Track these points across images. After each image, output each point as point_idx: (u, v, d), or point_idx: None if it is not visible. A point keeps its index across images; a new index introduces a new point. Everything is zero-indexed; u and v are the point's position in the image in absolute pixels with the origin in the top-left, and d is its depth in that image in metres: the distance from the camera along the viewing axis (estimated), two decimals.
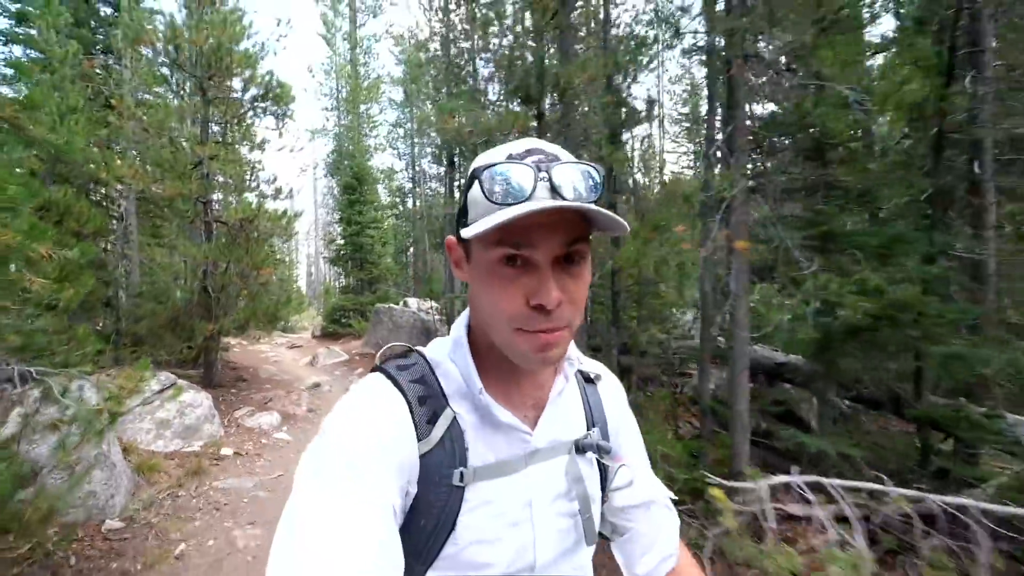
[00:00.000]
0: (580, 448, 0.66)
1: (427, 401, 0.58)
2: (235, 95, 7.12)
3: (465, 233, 0.52)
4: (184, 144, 6.80)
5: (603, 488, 0.71)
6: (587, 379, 0.74)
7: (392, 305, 12.26)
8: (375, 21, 18.82)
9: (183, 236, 6.97)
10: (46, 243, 2.17)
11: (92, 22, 10.30)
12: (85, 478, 2.71)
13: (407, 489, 0.55)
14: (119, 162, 5.32)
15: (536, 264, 0.52)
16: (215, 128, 7.33)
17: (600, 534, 0.72)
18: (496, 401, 0.60)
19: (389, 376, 0.60)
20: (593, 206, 0.50)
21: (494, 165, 0.51)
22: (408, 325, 11.18)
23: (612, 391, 0.77)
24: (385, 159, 18.40)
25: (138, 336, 7.27)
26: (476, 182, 0.53)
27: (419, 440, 0.56)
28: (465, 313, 0.66)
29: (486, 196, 0.51)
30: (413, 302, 13.06)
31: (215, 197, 6.84)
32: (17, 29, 9.31)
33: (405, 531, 0.54)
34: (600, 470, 0.70)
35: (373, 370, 0.63)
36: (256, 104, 7.37)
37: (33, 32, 6.74)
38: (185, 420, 4.97)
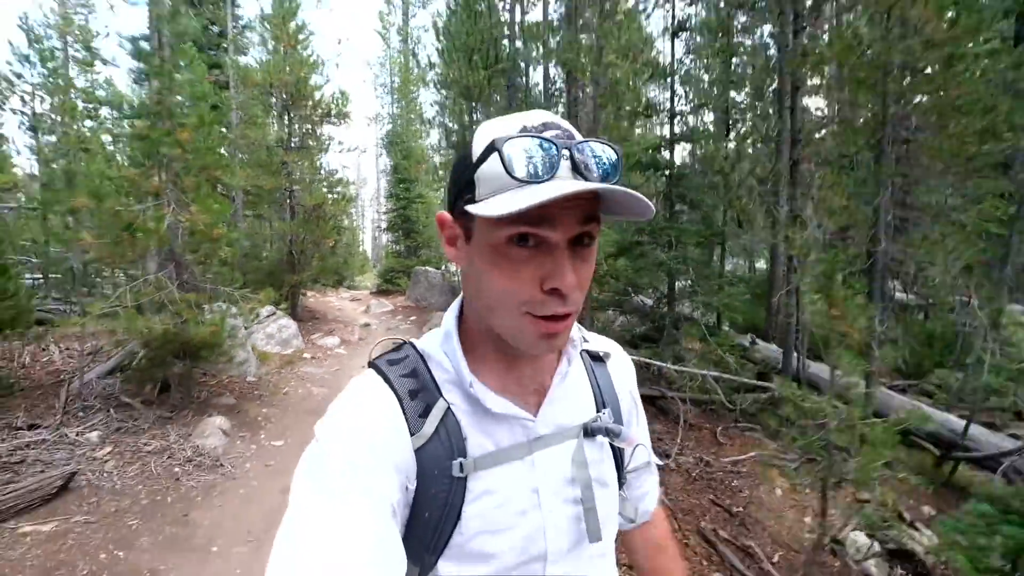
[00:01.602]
0: (589, 431, 0.63)
1: (418, 394, 0.57)
2: (308, 113, 9.86)
3: (481, 211, 0.48)
4: (277, 149, 9.64)
5: (620, 470, 0.68)
6: (595, 358, 0.71)
7: (428, 268, 15.02)
8: (424, 11, 20.89)
9: (276, 216, 9.92)
10: (232, 233, 4.88)
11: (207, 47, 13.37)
12: (249, 340, 5.54)
13: (406, 485, 0.54)
14: (240, 170, 8.18)
15: (551, 245, 0.49)
16: (295, 137, 10.13)
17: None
18: (492, 390, 0.58)
19: (379, 372, 0.59)
20: (627, 189, 0.48)
21: (514, 138, 0.48)
22: (439, 284, 13.95)
23: (622, 368, 0.74)
24: (436, 135, 20.77)
25: (246, 284, 10.47)
26: (494, 155, 0.48)
27: (412, 435, 0.55)
28: (455, 303, 0.64)
29: (508, 172, 0.47)
30: (453, 265, 15.80)
31: (296, 188, 9.67)
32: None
33: (412, 524, 0.55)
34: (614, 452, 0.67)
35: (368, 366, 0.62)
36: (324, 118, 10.10)
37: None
38: (282, 335, 7.93)
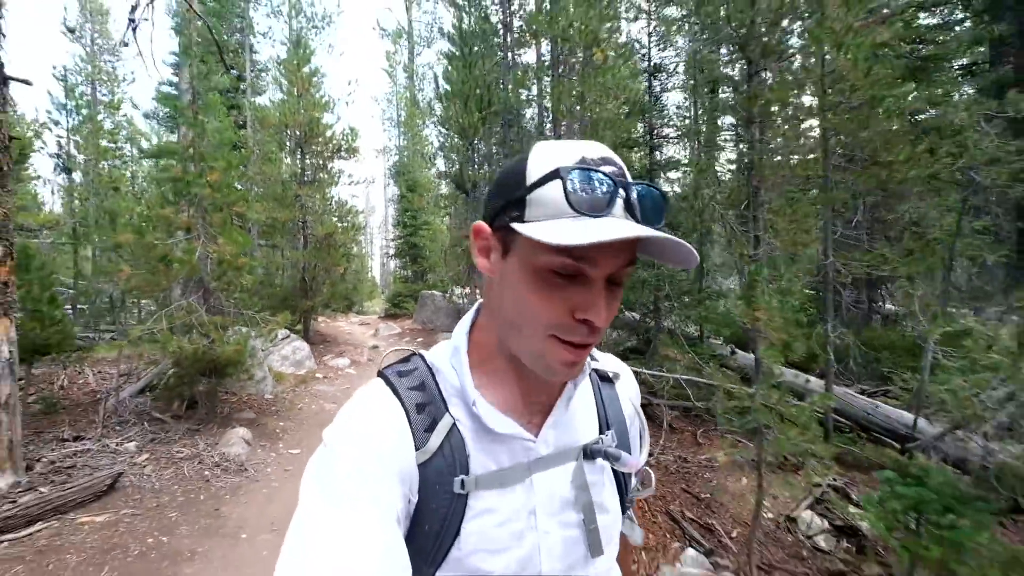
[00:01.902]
0: (589, 454, 0.63)
1: (425, 408, 0.58)
2: (320, 149, 10.59)
3: (535, 234, 0.48)
4: (291, 183, 10.32)
5: (623, 493, 0.67)
6: (603, 378, 0.71)
7: (435, 292, 15.55)
8: (429, 50, 22.02)
9: (289, 245, 10.55)
10: (253, 262, 5.43)
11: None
12: (266, 361, 6.03)
13: (409, 497, 0.55)
14: (257, 204, 8.83)
15: (589, 279, 0.51)
16: (308, 171, 10.84)
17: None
18: (497, 408, 0.59)
19: (388, 383, 0.60)
20: (679, 239, 0.49)
21: (579, 169, 0.50)
22: (445, 307, 14.45)
23: (629, 389, 0.74)
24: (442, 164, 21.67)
25: (263, 309, 11.07)
26: (556, 182, 0.50)
27: (417, 449, 0.55)
28: (466, 318, 0.65)
29: (568, 200, 0.49)
30: (458, 289, 16.34)
31: (308, 219, 10.31)
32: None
33: (411, 535, 0.55)
34: (617, 477, 0.67)
35: (378, 375, 0.62)
36: (335, 153, 10.82)
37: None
38: (296, 356, 8.43)
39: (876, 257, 4.03)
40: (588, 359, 0.62)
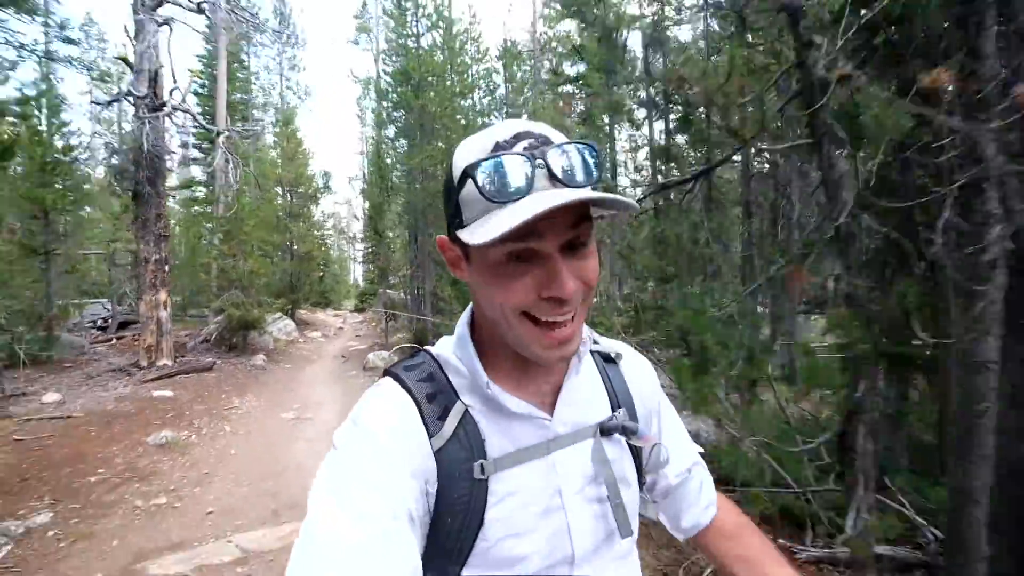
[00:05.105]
0: (605, 430, 0.64)
1: (436, 397, 0.58)
2: (304, 191, 15.63)
3: (468, 238, 0.50)
4: (283, 217, 15.33)
5: (639, 470, 0.69)
6: (606, 359, 0.72)
7: (388, 291, 20.67)
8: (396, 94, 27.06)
9: (280, 257, 15.59)
10: (264, 270, 10.40)
11: None
12: (270, 328, 11.06)
13: (427, 490, 0.54)
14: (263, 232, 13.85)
15: (544, 254, 0.50)
16: (295, 206, 15.85)
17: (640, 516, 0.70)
18: (507, 391, 0.59)
19: (396, 378, 0.60)
20: (601, 194, 0.49)
21: (485, 160, 0.49)
22: (391, 301, 19.54)
23: (637, 369, 0.75)
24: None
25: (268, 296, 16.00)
26: (469, 181, 0.50)
27: (431, 437, 0.55)
28: (467, 311, 0.66)
29: (483, 195, 0.49)
30: (417, 289, 21.39)
31: (294, 240, 15.33)
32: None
33: (434, 532, 0.55)
34: (632, 452, 0.68)
35: (384, 374, 0.63)
36: (315, 194, 15.88)
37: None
38: (287, 330, 13.42)
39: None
40: (589, 339, 0.67)
